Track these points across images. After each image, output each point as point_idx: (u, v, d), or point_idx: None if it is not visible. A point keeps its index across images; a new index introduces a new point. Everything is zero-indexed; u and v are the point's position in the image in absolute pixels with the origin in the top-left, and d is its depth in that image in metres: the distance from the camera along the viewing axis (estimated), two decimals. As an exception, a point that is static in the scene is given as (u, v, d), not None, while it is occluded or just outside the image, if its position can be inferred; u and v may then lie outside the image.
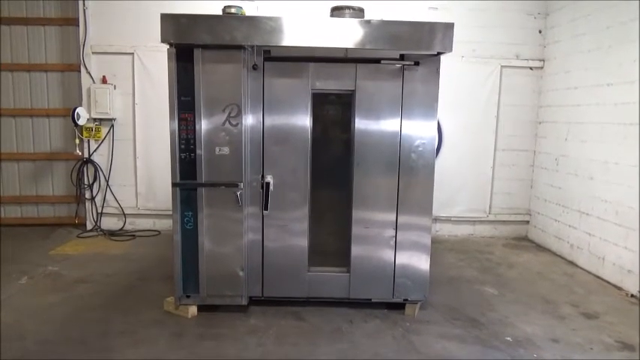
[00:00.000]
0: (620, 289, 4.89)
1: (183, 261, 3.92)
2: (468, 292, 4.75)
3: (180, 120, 3.74)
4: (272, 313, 4.08)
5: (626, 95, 4.92)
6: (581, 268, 5.56)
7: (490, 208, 6.83)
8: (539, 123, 6.65)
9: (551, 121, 6.38)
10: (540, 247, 6.44)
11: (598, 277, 5.23)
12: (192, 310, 4.02)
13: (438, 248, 6.07)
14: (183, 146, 3.77)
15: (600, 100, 5.35)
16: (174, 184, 3.83)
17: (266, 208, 3.94)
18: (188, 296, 3.98)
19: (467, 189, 6.73)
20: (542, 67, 6.56)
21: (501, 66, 6.53)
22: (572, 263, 5.73)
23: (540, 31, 6.54)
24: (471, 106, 6.57)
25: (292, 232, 4.04)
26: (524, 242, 6.69)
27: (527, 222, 6.87)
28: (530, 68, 6.59)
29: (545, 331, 3.93)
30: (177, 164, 3.79)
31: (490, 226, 6.89)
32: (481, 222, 6.86)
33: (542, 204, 6.52)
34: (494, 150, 6.71)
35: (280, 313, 4.09)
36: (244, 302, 4.03)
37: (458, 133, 6.57)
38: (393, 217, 4.00)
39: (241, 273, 3.95)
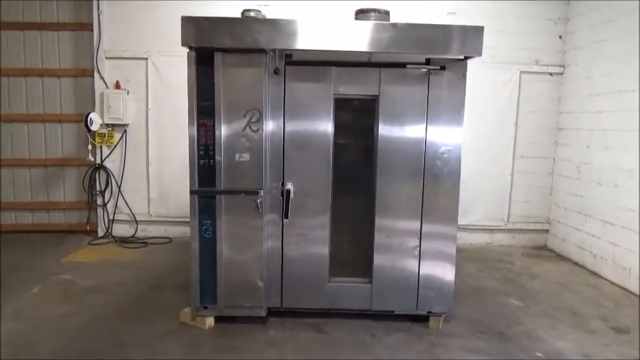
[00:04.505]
0: (649, 301, 4.73)
1: (200, 271, 3.80)
2: (492, 303, 4.59)
3: (199, 125, 3.64)
4: (291, 325, 3.95)
5: (653, 101, 4.79)
6: (605, 279, 5.39)
7: (508, 216, 6.67)
8: (560, 130, 6.51)
9: (572, 128, 6.24)
10: (561, 257, 6.27)
11: (624, 289, 5.06)
12: (210, 321, 3.89)
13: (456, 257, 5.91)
14: (202, 152, 3.66)
15: (624, 106, 5.21)
16: (192, 192, 3.71)
17: (286, 216, 3.82)
18: (205, 307, 3.86)
19: (485, 196, 6.59)
20: (562, 73, 6.43)
21: (520, 72, 6.41)
22: (595, 274, 5.57)
23: (560, 37, 6.42)
24: (489, 113, 6.44)
25: (313, 240, 3.92)
26: (544, 251, 6.53)
27: (547, 231, 6.71)
28: (550, 74, 6.46)
29: (576, 346, 3.77)
30: (196, 171, 3.68)
31: (508, 235, 6.73)
32: (499, 230, 6.71)
33: (563, 212, 6.36)
34: (513, 157, 6.57)
35: (300, 325, 3.96)
36: (263, 313, 3.90)
37: (476, 140, 6.41)
38: (417, 225, 3.87)
39: (260, 283, 3.83)
